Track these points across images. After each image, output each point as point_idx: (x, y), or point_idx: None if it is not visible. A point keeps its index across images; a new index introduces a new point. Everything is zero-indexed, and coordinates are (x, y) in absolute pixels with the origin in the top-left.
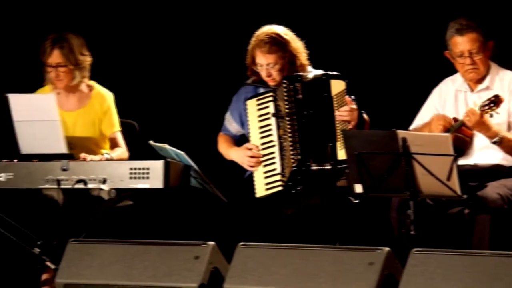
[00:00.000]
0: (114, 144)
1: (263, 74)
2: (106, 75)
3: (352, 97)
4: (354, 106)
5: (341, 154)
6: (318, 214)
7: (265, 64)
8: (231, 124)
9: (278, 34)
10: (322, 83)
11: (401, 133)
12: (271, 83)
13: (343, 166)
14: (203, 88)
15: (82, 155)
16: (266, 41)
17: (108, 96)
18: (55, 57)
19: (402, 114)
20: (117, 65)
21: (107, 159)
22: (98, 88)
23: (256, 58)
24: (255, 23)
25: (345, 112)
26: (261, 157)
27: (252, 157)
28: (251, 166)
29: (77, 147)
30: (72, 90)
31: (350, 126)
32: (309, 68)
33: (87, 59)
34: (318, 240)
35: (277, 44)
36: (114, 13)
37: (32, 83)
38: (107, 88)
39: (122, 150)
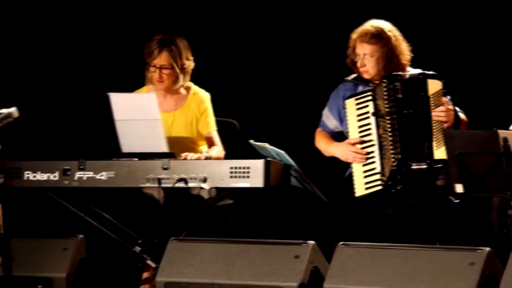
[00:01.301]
0: (210, 143)
1: (358, 64)
2: (206, 74)
3: (448, 97)
4: (451, 107)
5: (437, 154)
6: (418, 213)
7: (362, 54)
8: (330, 120)
9: (381, 29)
10: (419, 82)
11: (502, 133)
12: (365, 76)
13: (439, 165)
14: (303, 86)
15: (184, 154)
16: (367, 31)
17: (205, 97)
18: (162, 59)
19: (503, 113)
20: (218, 64)
21: (206, 157)
22: (195, 88)
23: (356, 47)
24: (354, 21)
25: (441, 113)
26: (364, 153)
27: (355, 153)
28: (355, 160)
29: (175, 147)
30: (170, 92)
31: (445, 126)
32: (408, 68)
33: (191, 64)
34: (418, 240)
35: (377, 37)
36: (213, 13)
37: (129, 84)
38: (208, 87)
39: (218, 149)
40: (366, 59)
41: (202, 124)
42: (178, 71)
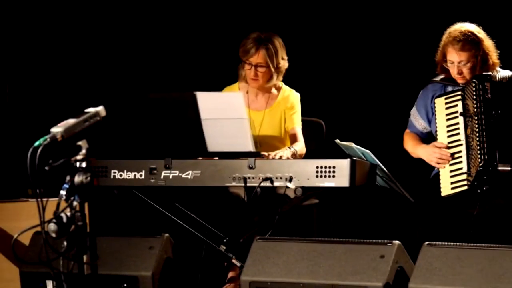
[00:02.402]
0: (293, 140)
1: (454, 71)
2: (293, 73)
3: None
4: None
5: None
6: (503, 214)
7: (457, 61)
8: (418, 121)
9: (472, 32)
10: None
11: None
12: (461, 81)
13: None
14: (389, 85)
15: (271, 153)
16: (459, 38)
17: (295, 97)
18: (259, 57)
19: None
20: (305, 63)
21: (293, 153)
22: (286, 88)
23: (448, 55)
24: (441, 21)
25: None
26: (449, 156)
27: (440, 155)
28: (439, 164)
29: (264, 145)
30: (262, 90)
31: None
32: (498, 68)
33: (285, 64)
34: (503, 241)
35: (470, 43)
36: (300, 13)
37: (221, 80)
38: (295, 87)
39: (301, 145)
40: (462, 66)
41: (288, 120)
42: (273, 70)
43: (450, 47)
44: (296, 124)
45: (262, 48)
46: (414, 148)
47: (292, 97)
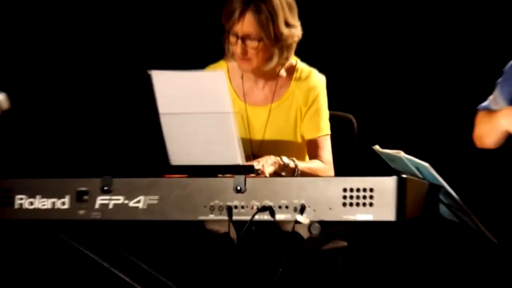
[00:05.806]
0: (313, 154)
1: None
2: (310, 51)
3: None
4: None
5: None
6: None
7: None
8: (498, 103)
9: None
10: None
11: None
12: None
13: None
14: (450, 74)
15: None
16: None
17: (318, 82)
18: (246, 24)
19: None
20: (327, 37)
21: (285, 164)
22: (302, 68)
23: None
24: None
25: None
26: None
27: None
28: None
29: (272, 155)
30: (264, 75)
31: None
32: None
33: (294, 33)
34: None
35: None
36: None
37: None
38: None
39: (321, 165)
40: None
41: (307, 124)
42: (269, 43)
43: None
44: (321, 131)
45: (250, 10)
46: (491, 118)
47: (313, 84)
